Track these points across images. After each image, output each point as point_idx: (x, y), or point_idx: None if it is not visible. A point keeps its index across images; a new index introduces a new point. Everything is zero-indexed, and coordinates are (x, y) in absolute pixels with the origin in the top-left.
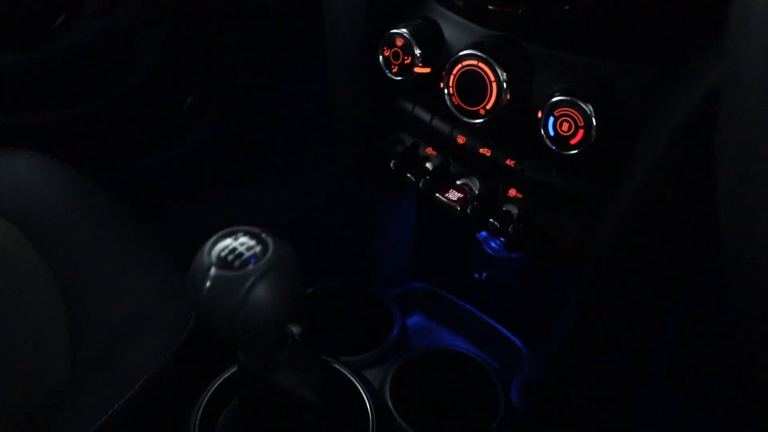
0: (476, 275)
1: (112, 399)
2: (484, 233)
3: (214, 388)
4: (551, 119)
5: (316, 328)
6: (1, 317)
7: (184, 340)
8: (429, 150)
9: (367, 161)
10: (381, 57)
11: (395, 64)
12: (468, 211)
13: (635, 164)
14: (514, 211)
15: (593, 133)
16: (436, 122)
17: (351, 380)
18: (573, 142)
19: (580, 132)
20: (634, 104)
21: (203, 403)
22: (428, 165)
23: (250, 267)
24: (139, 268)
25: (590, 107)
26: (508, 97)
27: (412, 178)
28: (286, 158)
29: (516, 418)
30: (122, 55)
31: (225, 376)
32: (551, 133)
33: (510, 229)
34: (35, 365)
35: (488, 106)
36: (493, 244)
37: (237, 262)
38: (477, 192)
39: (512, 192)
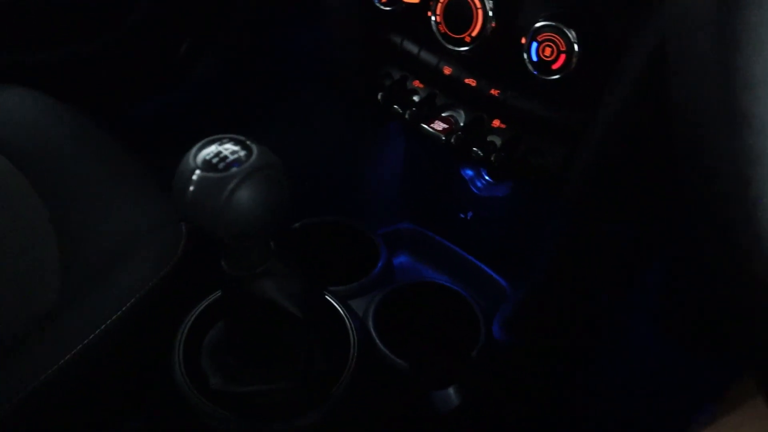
0: (462, 215)
1: (100, 319)
2: (470, 172)
3: (200, 309)
4: (534, 44)
5: (304, 260)
6: None
7: (173, 264)
8: (416, 83)
9: (359, 95)
10: None
11: None
12: (452, 140)
13: (612, 89)
14: (498, 141)
15: (574, 58)
16: (423, 54)
17: (334, 306)
18: (554, 67)
19: (562, 57)
20: (615, 31)
21: (189, 323)
22: (415, 98)
23: (234, 169)
24: (130, 195)
25: (573, 32)
26: (493, 24)
27: (399, 109)
28: (279, 103)
29: (496, 349)
30: None
31: (211, 299)
32: (534, 58)
33: (493, 158)
34: (25, 289)
35: (473, 34)
36: (478, 183)
37: (221, 165)
38: (462, 123)
39: (496, 122)
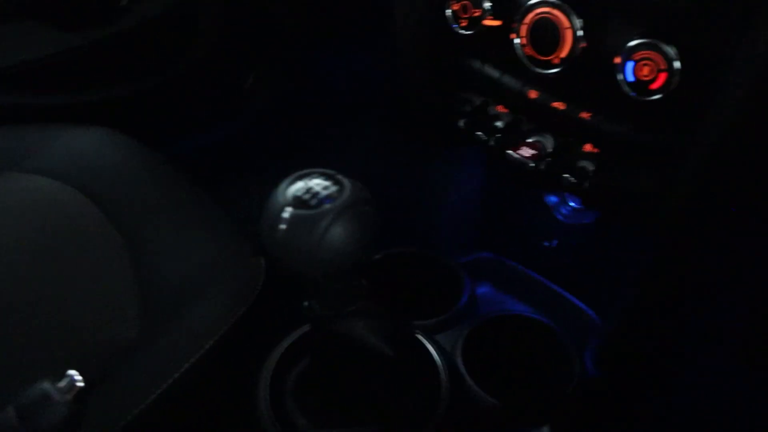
0: (546, 243)
1: (182, 358)
2: (554, 199)
3: (283, 348)
4: (630, 64)
5: (385, 293)
6: (74, 279)
7: (252, 300)
8: (499, 108)
9: (434, 123)
10: (449, 11)
11: (464, 18)
12: (542, 167)
13: (719, 107)
14: (590, 167)
15: (675, 77)
16: (506, 78)
17: (422, 342)
18: (653, 87)
19: (662, 76)
20: (718, 42)
21: (273, 363)
22: (498, 123)
23: (327, 206)
24: (206, 234)
25: (672, 49)
26: (584, 44)
27: (483, 136)
28: (344, 133)
29: (588, 385)
30: (184, 32)
31: (294, 337)
32: (630, 78)
33: (586, 185)
34: (106, 322)
35: (562, 55)
36: (564, 210)
37: (313, 201)
38: (550, 148)
39: (588, 147)
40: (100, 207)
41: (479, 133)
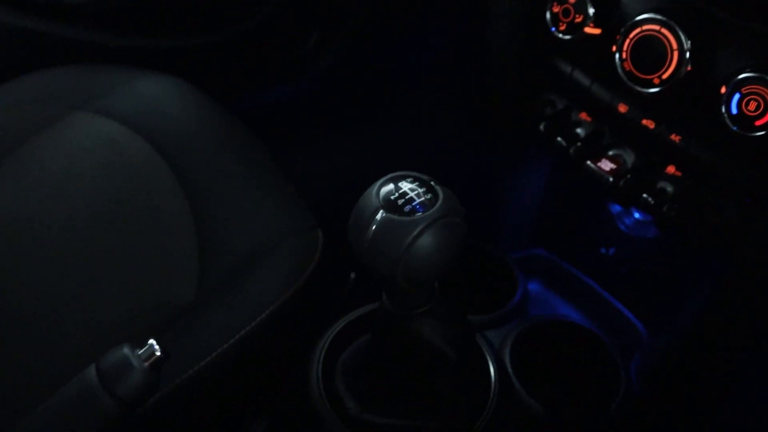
0: (603, 250)
1: (236, 326)
2: (618, 208)
3: (338, 328)
4: (736, 96)
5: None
6: (134, 232)
7: (309, 273)
8: (582, 115)
9: (515, 121)
10: (549, 13)
11: (564, 22)
12: (621, 183)
13: None
14: (669, 189)
15: None
16: (596, 88)
17: (476, 341)
18: (759, 123)
19: None
20: None
21: (327, 341)
22: (579, 131)
23: (419, 214)
24: (269, 203)
25: None
26: (689, 68)
27: (563, 142)
28: (403, 108)
29: (633, 402)
30: None
31: (348, 318)
32: (734, 111)
33: (665, 208)
34: (164, 280)
35: (665, 76)
36: (627, 221)
37: (407, 208)
38: (631, 165)
39: (671, 169)
40: (166, 160)
41: (559, 139)
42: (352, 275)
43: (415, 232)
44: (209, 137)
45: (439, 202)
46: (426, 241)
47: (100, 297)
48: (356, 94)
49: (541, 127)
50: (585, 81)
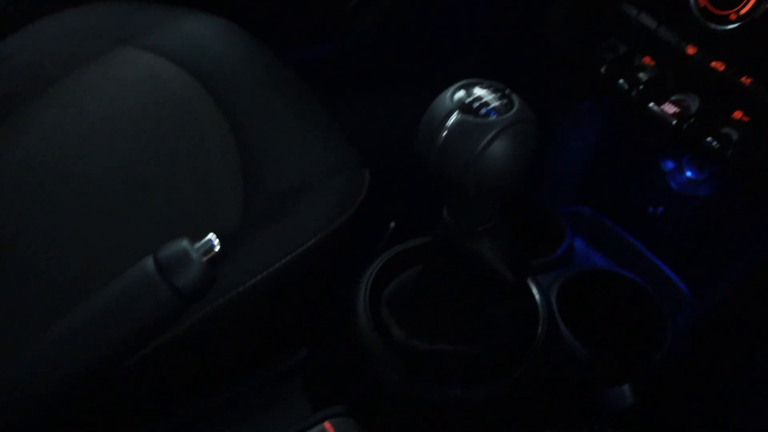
0: (651, 209)
1: (279, 253)
2: (670, 165)
3: (385, 259)
4: None
5: None
6: (180, 162)
7: (355, 209)
8: (646, 60)
9: (573, 69)
10: None
11: None
12: (684, 126)
13: None
14: (735, 135)
15: None
16: (662, 30)
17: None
18: None
19: None
20: None
21: (374, 271)
22: (641, 75)
23: (494, 117)
24: (315, 140)
25: None
26: None
27: (625, 85)
28: (446, 67)
29: (674, 359)
30: None
31: (395, 251)
32: None
33: (729, 153)
34: (209, 208)
35: (743, 11)
36: (679, 179)
37: (482, 110)
38: (695, 109)
39: (738, 114)
40: (212, 96)
41: (621, 81)
42: (392, 224)
43: (490, 135)
44: (256, 76)
45: (515, 108)
46: (500, 145)
47: (144, 226)
48: (398, 53)
49: (602, 69)
50: (651, 23)
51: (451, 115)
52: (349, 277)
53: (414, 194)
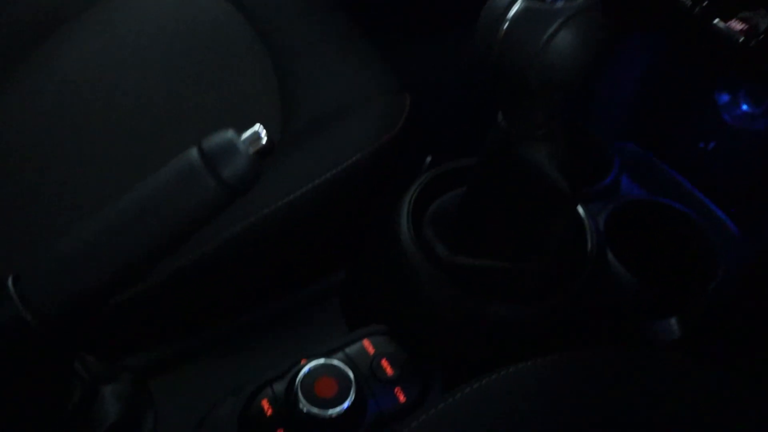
0: (701, 144)
1: (318, 171)
2: (725, 97)
3: (429, 177)
4: None
5: None
6: (214, 85)
7: (395, 132)
8: None
9: None
10: None
11: None
12: (752, 43)
13: None
14: None
15: None
16: None
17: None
18: None
19: None
20: None
21: (417, 189)
22: None
23: (561, 4)
24: (355, 63)
25: None
26: None
27: (688, 1)
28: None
29: (722, 295)
30: None
31: (439, 170)
32: None
33: None
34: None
35: None
36: (734, 111)
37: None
38: (764, 27)
39: None
40: (248, 19)
41: None
42: (428, 159)
43: (558, 23)
44: (294, 1)
45: None
46: (568, 34)
47: (179, 147)
48: None
49: None
50: None
51: (515, 2)
52: (389, 200)
53: (451, 130)
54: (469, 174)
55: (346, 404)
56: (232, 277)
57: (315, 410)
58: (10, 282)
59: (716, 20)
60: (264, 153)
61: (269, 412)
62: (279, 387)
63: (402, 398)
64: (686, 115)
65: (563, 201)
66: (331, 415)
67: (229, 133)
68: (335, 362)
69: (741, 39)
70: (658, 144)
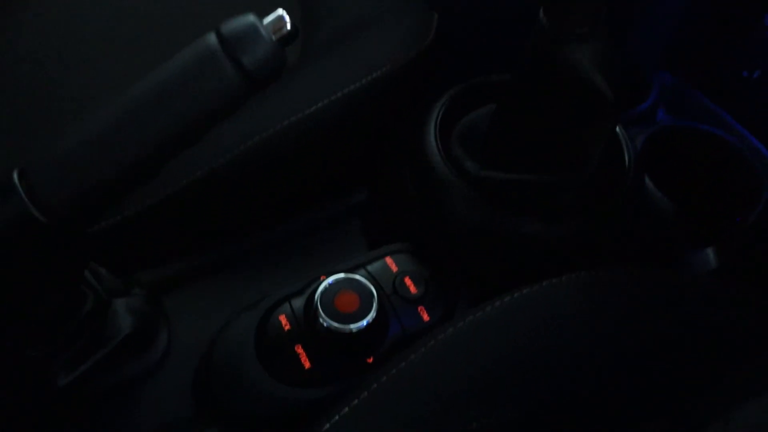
0: (745, 73)
1: (338, 86)
2: None
3: (455, 92)
4: None
5: None
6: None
7: (421, 49)
8: None
9: None
10: None
11: None
12: None
13: None
14: None
15: None
16: None
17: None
18: None
19: None
20: None
21: (443, 105)
22: None
23: None
24: None
25: None
26: None
27: None
28: None
29: (762, 228)
30: None
31: (466, 85)
32: None
33: None
34: None
35: None
36: None
37: None
38: None
39: None
40: None
41: None
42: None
43: None
44: None
45: None
46: None
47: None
48: None
49: None
50: None
51: None
52: (414, 118)
53: (479, 53)
54: (502, 87)
55: (367, 320)
56: (250, 190)
57: (335, 325)
58: (15, 176)
59: None
60: (288, 40)
61: (287, 328)
62: (297, 303)
63: (426, 317)
64: (730, 40)
65: (605, 107)
66: (351, 330)
67: (251, 17)
68: (357, 277)
69: None
70: (698, 73)
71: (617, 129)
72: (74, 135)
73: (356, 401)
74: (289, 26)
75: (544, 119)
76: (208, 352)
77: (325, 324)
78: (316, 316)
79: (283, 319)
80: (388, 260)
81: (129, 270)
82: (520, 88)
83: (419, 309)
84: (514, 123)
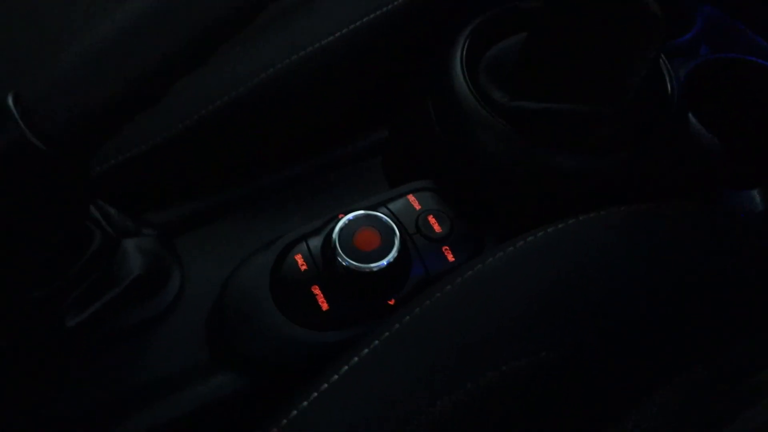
0: None
1: (353, 16)
2: None
3: (479, 22)
4: None
5: None
6: None
7: None
8: None
9: None
10: None
11: None
12: None
13: None
14: None
15: None
16: None
17: None
18: None
19: None
20: None
21: (468, 36)
22: None
23: None
24: None
25: None
26: None
27: None
28: None
29: None
30: None
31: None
32: None
33: None
34: None
35: None
36: None
37: None
38: None
39: None
40: None
41: None
42: None
43: None
44: None
45: None
46: None
47: None
48: None
49: None
50: None
51: None
52: (437, 52)
53: None
54: (532, 13)
55: (388, 259)
56: (264, 126)
57: (354, 264)
58: (10, 100)
59: None
60: None
61: (303, 268)
62: (315, 242)
63: (451, 258)
64: None
65: (651, 25)
66: (371, 269)
67: None
68: (377, 214)
69: None
70: (741, 5)
71: (660, 57)
72: (74, 52)
73: (377, 342)
74: None
75: (583, 43)
76: (221, 295)
77: (343, 263)
78: (334, 255)
79: (299, 258)
80: (411, 198)
81: (140, 211)
82: (558, 9)
83: (443, 249)
84: (549, 50)
